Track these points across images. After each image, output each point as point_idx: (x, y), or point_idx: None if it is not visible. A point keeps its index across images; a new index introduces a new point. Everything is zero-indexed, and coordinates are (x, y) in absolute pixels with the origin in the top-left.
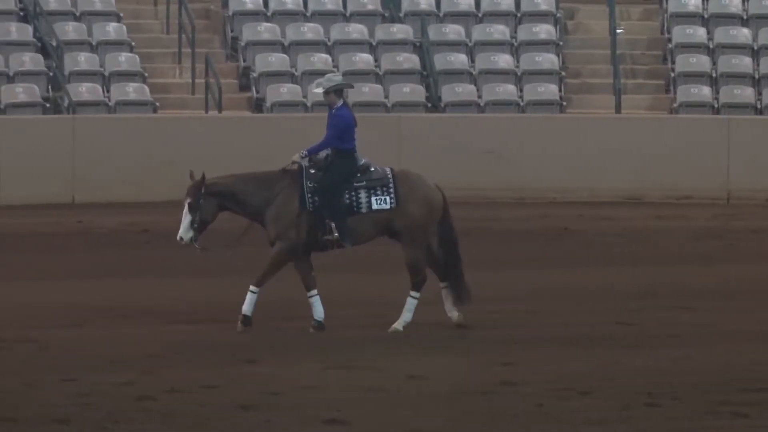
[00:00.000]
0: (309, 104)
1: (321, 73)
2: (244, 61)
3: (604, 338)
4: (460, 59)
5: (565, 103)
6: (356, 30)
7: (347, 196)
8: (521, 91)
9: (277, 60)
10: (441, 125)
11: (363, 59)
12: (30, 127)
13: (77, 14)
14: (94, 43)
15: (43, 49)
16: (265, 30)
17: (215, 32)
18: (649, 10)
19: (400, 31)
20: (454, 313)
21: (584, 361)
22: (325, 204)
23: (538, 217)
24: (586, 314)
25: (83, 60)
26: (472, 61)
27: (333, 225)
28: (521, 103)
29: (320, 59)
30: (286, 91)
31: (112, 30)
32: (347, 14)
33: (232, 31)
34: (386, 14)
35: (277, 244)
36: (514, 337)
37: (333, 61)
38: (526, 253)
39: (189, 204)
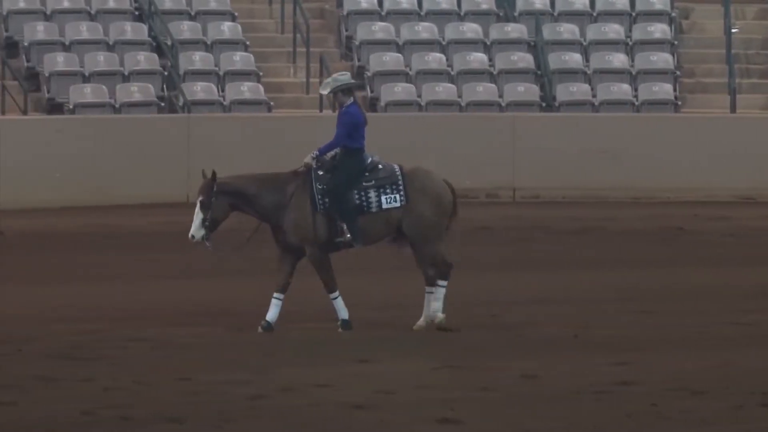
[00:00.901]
0: (423, 103)
1: (436, 73)
2: (359, 60)
3: (718, 338)
4: (574, 58)
5: (679, 103)
6: (471, 29)
7: (357, 195)
8: (636, 90)
9: (391, 59)
10: (555, 124)
11: (477, 58)
12: (145, 127)
13: (192, 13)
14: (209, 43)
15: (158, 49)
16: (380, 29)
17: (330, 31)
18: (764, 10)
19: (515, 30)
20: (437, 316)
21: (698, 361)
22: (335, 205)
23: (652, 217)
24: (701, 314)
25: (198, 59)
26: (587, 60)
27: (344, 226)
28: (636, 103)
29: (434, 58)
30: (400, 90)
31: (227, 29)
32: (461, 13)
33: (346, 31)
34: (501, 13)
35: (307, 248)
36: (628, 337)
37: (447, 60)
38: (641, 252)
39: (201, 202)
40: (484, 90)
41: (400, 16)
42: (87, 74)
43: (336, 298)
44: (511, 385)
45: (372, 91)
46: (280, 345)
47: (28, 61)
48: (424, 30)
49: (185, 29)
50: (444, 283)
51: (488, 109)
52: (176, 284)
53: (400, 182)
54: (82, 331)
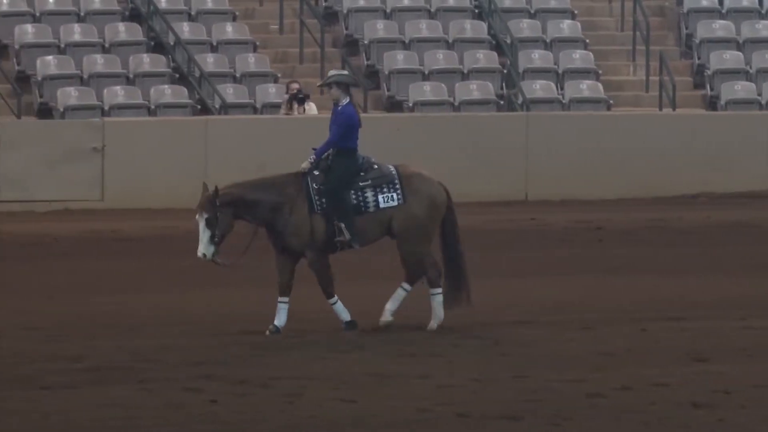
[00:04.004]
0: (763, 102)
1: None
2: (699, 58)
3: None
4: None
5: None
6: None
7: (354, 195)
8: None
9: (731, 57)
10: None
11: None
12: (484, 124)
13: (532, 11)
14: (548, 41)
15: (498, 47)
16: (720, 27)
17: (670, 29)
18: None
19: None
20: (386, 317)
21: None
22: (333, 205)
23: None
24: None
25: (537, 57)
26: None
27: (342, 226)
28: None
29: None
30: (740, 88)
31: (567, 27)
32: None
33: (686, 29)
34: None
35: (307, 255)
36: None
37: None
38: None
39: (207, 219)
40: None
41: (740, 14)
42: (427, 72)
43: (335, 303)
44: None
45: (712, 90)
46: (615, 343)
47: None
48: (764, 28)
49: (525, 27)
50: (438, 290)
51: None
52: (511, 282)
53: (397, 181)
54: (420, 328)
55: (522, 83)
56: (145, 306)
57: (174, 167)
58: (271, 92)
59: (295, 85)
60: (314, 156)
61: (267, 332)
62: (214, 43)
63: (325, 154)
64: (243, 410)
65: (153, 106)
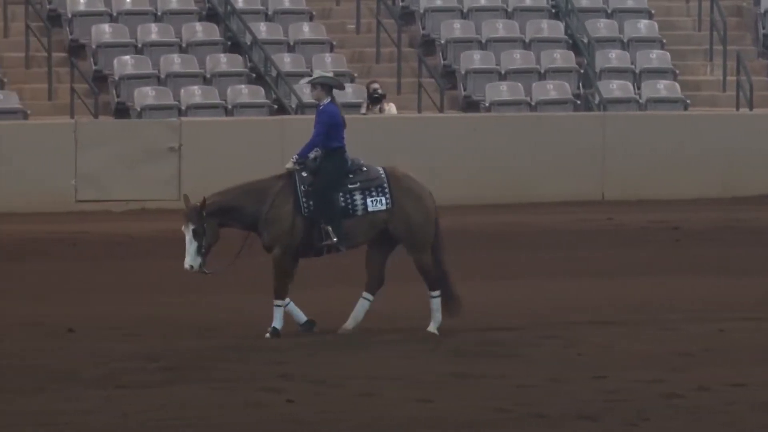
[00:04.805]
0: None
1: None
2: None
3: None
4: None
5: None
6: None
7: (342, 198)
8: None
9: None
10: None
11: None
12: (561, 124)
13: (609, 11)
14: (625, 40)
15: (575, 46)
16: None
17: (747, 29)
18: None
19: None
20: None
21: None
22: (320, 207)
23: None
24: None
25: (614, 57)
26: None
27: (329, 229)
28: None
29: None
30: None
31: (644, 27)
32: None
33: (763, 29)
34: None
35: (274, 251)
36: None
37: None
38: None
39: (194, 230)
40: None
41: None
42: (504, 72)
43: (280, 306)
44: None
45: None
46: (693, 344)
47: (444, 57)
48: None
49: (601, 27)
50: (437, 293)
51: None
52: (587, 283)
53: (386, 184)
54: (497, 328)
55: (599, 83)
56: (223, 306)
57: (250, 167)
58: (348, 92)
59: (375, 85)
60: (296, 155)
61: (266, 335)
62: (291, 43)
63: (313, 154)
64: (319, 410)
65: (230, 106)
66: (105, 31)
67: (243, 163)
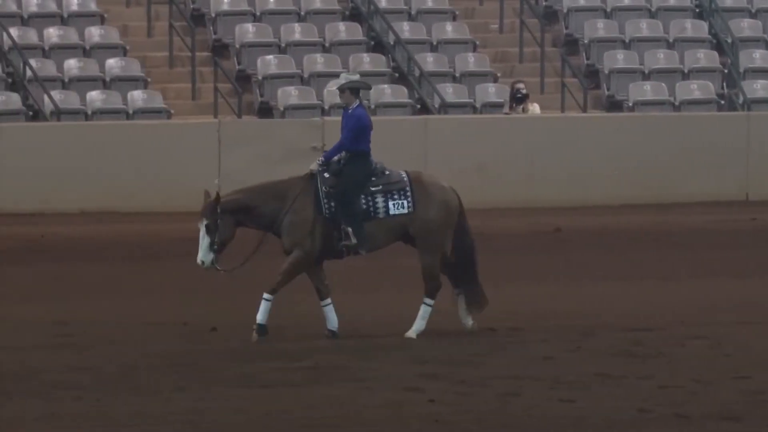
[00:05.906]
0: None
1: None
2: None
3: None
4: None
5: None
6: None
7: (364, 200)
8: None
9: None
10: None
11: None
12: (704, 124)
13: (753, 11)
14: None
15: (718, 46)
16: None
17: None
18: None
19: None
20: (468, 321)
21: None
22: (342, 209)
23: None
24: None
25: (758, 57)
26: None
27: (350, 231)
28: None
29: None
30: None
31: None
32: None
33: None
34: None
35: (294, 252)
36: None
37: None
38: None
39: (206, 226)
40: None
41: None
42: (647, 72)
43: (269, 300)
44: None
45: None
46: None
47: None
48: None
49: (745, 26)
50: (430, 301)
51: None
52: (735, 283)
53: (408, 188)
54: (641, 328)
55: (743, 83)
56: (366, 306)
57: (394, 166)
58: (491, 92)
59: (519, 85)
60: (323, 158)
61: (260, 336)
62: (434, 43)
63: (337, 156)
64: (461, 410)
65: (373, 106)
66: (248, 31)
67: (387, 163)
